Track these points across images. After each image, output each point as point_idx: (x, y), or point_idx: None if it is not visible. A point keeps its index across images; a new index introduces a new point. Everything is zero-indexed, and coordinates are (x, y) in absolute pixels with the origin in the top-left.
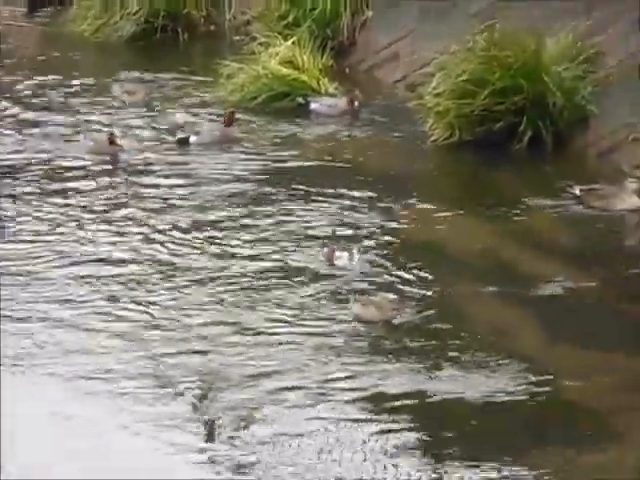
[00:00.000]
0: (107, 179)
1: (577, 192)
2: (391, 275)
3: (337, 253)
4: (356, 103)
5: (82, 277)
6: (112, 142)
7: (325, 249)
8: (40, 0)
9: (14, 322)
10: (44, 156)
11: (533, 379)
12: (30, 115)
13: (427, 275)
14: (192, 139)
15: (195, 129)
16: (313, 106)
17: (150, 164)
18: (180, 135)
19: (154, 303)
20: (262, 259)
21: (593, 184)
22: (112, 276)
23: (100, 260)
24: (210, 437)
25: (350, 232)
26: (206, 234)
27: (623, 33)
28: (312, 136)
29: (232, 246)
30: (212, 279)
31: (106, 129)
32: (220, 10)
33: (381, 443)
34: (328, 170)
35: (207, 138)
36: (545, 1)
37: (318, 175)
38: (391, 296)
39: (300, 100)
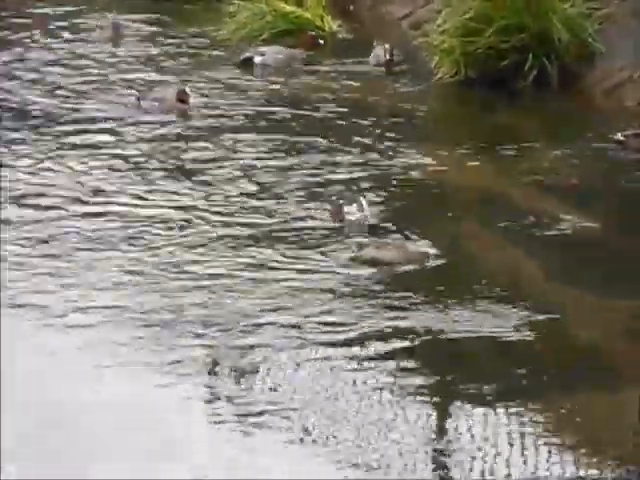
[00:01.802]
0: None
1: (619, 137)
2: (396, 218)
3: (346, 208)
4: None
5: None
6: (182, 100)
7: (331, 206)
8: None
9: None
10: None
11: (540, 320)
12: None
13: (434, 216)
14: (256, 59)
15: (259, 50)
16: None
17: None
18: (245, 55)
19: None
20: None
21: (633, 128)
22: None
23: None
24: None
25: (354, 175)
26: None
27: None
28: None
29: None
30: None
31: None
32: None
33: (389, 384)
34: (331, 112)
35: (272, 60)
36: None
37: (319, 118)
38: (400, 240)
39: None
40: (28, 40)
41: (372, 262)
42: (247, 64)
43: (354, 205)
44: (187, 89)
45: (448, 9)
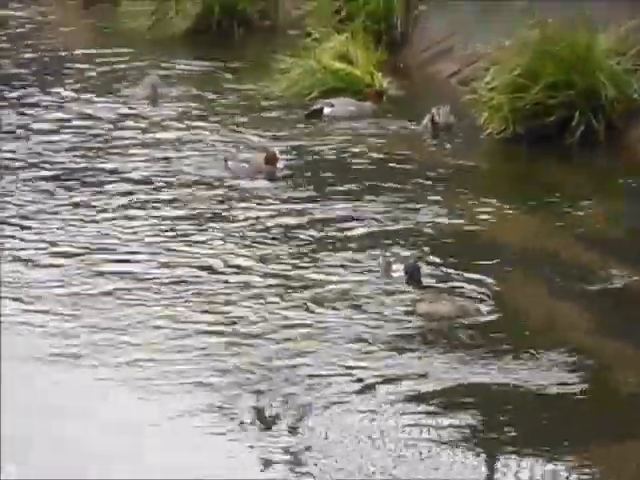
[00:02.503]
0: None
1: None
2: (446, 272)
3: (394, 266)
4: (437, 118)
5: None
6: (270, 162)
7: (381, 260)
8: None
9: None
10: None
11: (587, 372)
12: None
13: (481, 270)
14: (326, 111)
15: (328, 101)
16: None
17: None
18: (314, 107)
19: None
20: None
21: None
22: None
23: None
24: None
25: (405, 230)
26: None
27: None
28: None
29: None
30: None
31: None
32: (275, 5)
33: (434, 433)
34: (384, 165)
35: (342, 112)
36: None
37: (372, 171)
38: (452, 294)
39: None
40: (73, 96)
41: (425, 315)
42: (314, 116)
43: (402, 264)
44: (277, 151)
45: (496, 66)
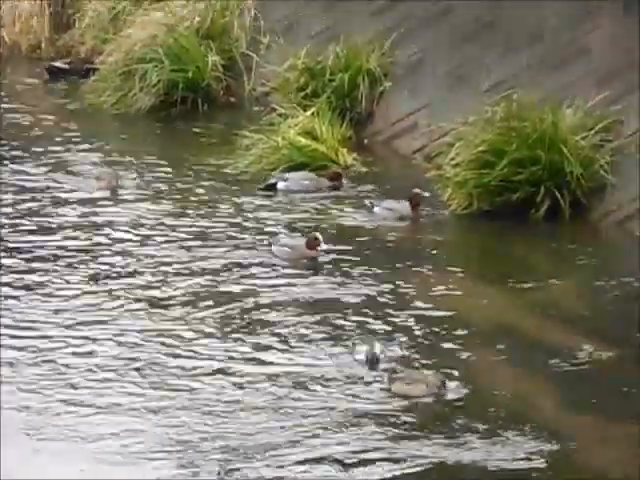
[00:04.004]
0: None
1: None
2: (412, 350)
3: (357, 347)
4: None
5: None
6: (312, 246)
7: (346, 347)
8: (61, 71)
9: None
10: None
11: (554, 449)
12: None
13: (448, 347)
14: (280, 185)
15: (284, 176)
16: (376, 209)
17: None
18: (268, 181)
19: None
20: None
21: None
22: None
23: None
24: None
25: (367, 307)
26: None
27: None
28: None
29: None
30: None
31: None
32: (240, 81)
33: None
34: (343, 243)
35: (296, 185)
36: (559, 73)
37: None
38: (417, 372)
39: None
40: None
41: (399, 395)
42: (270, 189)
43: (365, 346)
44: (319, 236)
45: (461, 142)
